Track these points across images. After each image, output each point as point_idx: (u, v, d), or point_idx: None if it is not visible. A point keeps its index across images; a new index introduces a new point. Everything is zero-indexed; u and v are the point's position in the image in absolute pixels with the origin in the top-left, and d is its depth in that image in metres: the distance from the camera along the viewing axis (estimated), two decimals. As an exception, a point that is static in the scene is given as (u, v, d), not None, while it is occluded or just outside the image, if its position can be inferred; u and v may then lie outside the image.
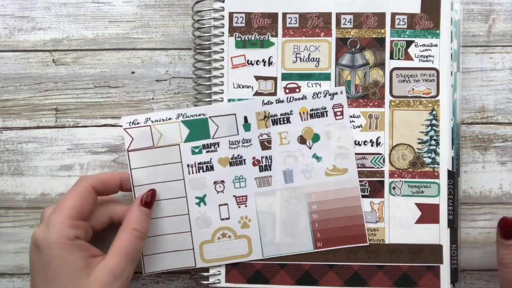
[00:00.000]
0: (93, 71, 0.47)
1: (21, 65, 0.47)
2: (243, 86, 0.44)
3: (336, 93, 0.43)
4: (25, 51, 0.47)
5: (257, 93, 0.44)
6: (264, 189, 0.44)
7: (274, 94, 0.44)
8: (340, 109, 0.43)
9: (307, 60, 0.44)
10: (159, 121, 0.43)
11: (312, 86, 0.44)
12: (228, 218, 0.44)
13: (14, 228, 0.47)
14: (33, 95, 0.47)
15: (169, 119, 0.43)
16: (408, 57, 0.44)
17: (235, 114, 0.43)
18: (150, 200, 0.42)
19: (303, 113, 0.44)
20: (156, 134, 0.43)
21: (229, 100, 0.44)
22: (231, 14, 0.44)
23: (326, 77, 0.44)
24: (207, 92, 0.45)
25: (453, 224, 0.43)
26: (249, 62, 0.44)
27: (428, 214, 0.43)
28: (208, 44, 0.45)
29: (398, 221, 0.43)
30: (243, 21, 0.44)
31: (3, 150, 0.47)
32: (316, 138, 0.44)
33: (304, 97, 0.43)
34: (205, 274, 0.44)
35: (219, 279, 0.44)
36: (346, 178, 0.43)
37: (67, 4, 0.47)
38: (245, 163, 0.44)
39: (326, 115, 0.44)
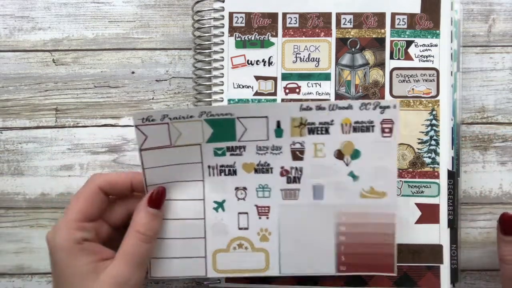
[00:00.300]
0: (93, 71, 0.47)
1: (21, 65, 0.47)
2: (243, 86, 0.44)
3: (388, 107, 0.38)
4: (25, 51, 0.47)
5: (257, 93, 0.44)
6: (290, 202, 0.40)
7: (274, 94, 0.44)
8: (390, 125, 0.38)
9: (307, 60, 0.44)
10: (179, 118, 0.38)
11: (312, 86, 0.44)
12: (246, 228, 0.40)
13: (14, 228, 0.47)
14: (33, 95, 0.47)
15: (191, 117, 0.38)
16: (408, 57, 0.44)
17: (267, 117, 0.38)
18: (158, 199, 0.38)
19: (346, 124, 0.39)
20: (174, 133, 0.38)
21: (229, 101, 0.44)
22: (231, 14, 0.44)
23: (326, 77, 0.44)
24: (207, 92, 0.45)
25: (453, 224, 0.43)
26: (249, 62, 0.44)
27: (428, 214, 0.43)
28: (208, 44, 0.45)
29: (398, 221, 0.43)
30: (243, 21, 0.44)
31: (3, 150, 0.47)
32: (356, 154, 0.39)
33: (349, 107, 0.38)
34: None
35: (219, 279, 0.44)
36: (383, 203, 0.39)
37: (67, 4, 0.47)
38: (272, 172, 0.40)
39: (372, 130, 0.39)
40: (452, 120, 0.44)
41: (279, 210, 0.40)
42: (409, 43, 0.44)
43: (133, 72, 0.47)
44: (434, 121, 0.43)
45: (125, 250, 0.37)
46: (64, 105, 0.47)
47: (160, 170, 0.39)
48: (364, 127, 0.39)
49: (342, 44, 0.44)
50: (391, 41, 0.44)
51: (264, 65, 0.44)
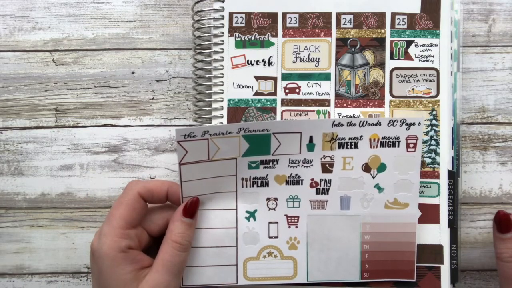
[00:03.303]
0: (93, 71, 0.47)
1: (21, 65, 0.47)
2: (243, 86, 0.44)
3: (414, 124, 0.41)
4: (25, 51, 0.47)
5: (257, 93, 0.44)
6: (318, 212, 0.42)
7: (274, 94, 0.44)
8: (414, 141, 0.41)
9: (307, 60, 0.44)
10: (218, 134, 0.39)
11: (312, 86, 0.44)
12: (276, 237, 0.42)
13: (14, 228, 0.47)
14: (33, 95, 0.47)
15: (229, 133, 0.39)
16: (408, 57, 0.44)
17: (301, 132, 0.40)
18: (192, 209, 0.39)
19: (374, 140, 0.41)
20: (213, 148, 0.39)
21: (229, 100, 0.44)
22: (231, 14, 0.44)
23: (326, 77, 0.44)
24: (207, 92, 0.45)
25: (453, 224, 0.43)
26: (249, 62, 0.44)
27: (428, 214, 0.43)
28: (208, 44, 0.45)
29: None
30: (243, 21, 0.44)
31: (3, 150, 0.47)
32: (382, 167, 0.42)
33: (378, 123, 0.41)
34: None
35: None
36: (405, 213, 0.42)
37: (67, 4, 0.47)
38: (302, 184, 0.42)
39: (398, 146, 0.41)
40: (452, 120, 0.44)
41: (308, 220, 0.42)
42: (409, 43, 0.44)
43: (133, 72, 0.47)
44: (434, 121, 0.43)
45: (162, 259, 0.38)
46: (64, 105, 0.47)
47: (196, 182, 0.40)
48: (390, 143, 0.41)
49: (342, 44, 0.44)
50: (391, 41, 0.44)
51: (264, 65, 0.44)
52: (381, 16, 0.44)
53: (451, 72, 0.44)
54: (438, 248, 0.43)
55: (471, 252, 0.45)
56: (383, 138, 0.41)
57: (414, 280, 0.42)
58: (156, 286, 0.37)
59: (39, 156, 0.47)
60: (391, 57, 0.44)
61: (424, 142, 0.43)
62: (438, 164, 0.43)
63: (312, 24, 0.44)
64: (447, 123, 0.43)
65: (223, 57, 0.44)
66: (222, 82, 0.44)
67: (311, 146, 0.41)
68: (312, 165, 0.41)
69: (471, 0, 0.46)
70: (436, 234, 0.43)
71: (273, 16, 0.44)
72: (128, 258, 0.37)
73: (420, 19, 0.44)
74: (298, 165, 0.41)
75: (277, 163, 0.41)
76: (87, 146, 0.47)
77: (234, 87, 0.44)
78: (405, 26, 0.44)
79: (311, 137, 0.41)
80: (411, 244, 0.42)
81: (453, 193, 0.43)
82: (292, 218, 0.42)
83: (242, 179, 0.41)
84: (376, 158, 0.41)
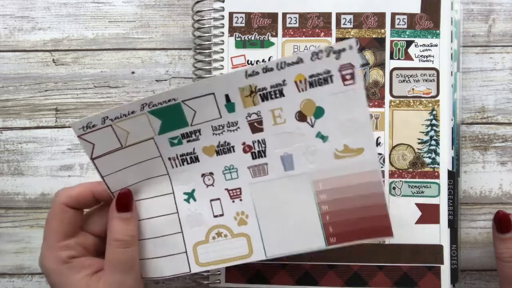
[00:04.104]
0: (93, 71, 0.47)
1: (21, 65, 0.47)
2: (243, 86, 0.44)
3: (344, 50, 0.32)
4: (25, 51, 0.47)
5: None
6: (260, 179, 0.37)
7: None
8: (350, 70, 0.33)
9: (307, 60, 0.44)
10: (121, 117, 0.35)
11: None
12: (222, 215, 0.38)
13: (14, 228, 0.47)
14: (33, 95, 0.47)
15: (132, 112, 0.35)
16: (408, 57, 0.44)
17: (213, 93, 0.35)
18: (126, 202, 0.37)
19: (300, 81, 0.34)
20: (121, 133, 0.36)
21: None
22: (231, 14, 0.44)
23: (326, 77, 0.44)
24: (207, 92, 0.45)
25: (453, 224, 0.43)
26: (249, 62, 0.44)
27: (428, 214, 0.43)
28: (208, 44, 0.45)
29: (398, 221, 0.43)
30: (243, 21, 0.44)
31: (3, 150, 0.47)
32: (319, 112, 0.35)
33: (299, 60, 0.33)
34: (205, 274, 0.44)
35: (219, 279, 0.44)
36: (362, 160, 0.35)
37: (67, 4, 0.47)
38: (234, 151, 0.37)
39: (331, 81, 0.33)
40: (452, 120, 0.44)
41: (251, 190, 0.37)
42: (409, 43, 0.44)
43: (133, 72, 0.47)
44: (434, 121, 0.43)
45: (110, 259, 0.37)
46: (64, 105, 0.47)
47: (120, 174, 0.37)
48: (321, 80, 0.34)
49: (342, 44, 0.44)
50: (391, 41, 0.44)
51: (264, 65, 0.44)
52: (381, 16, 0.44)
53: (451, 72, 0.44)
54: (438, 248, 0.43)
55: (471, 252, 0.45)
56: (310, 76, 0.34)
57: (393, 237, 0.36)
58: (111, 287, 0.36)
59: (39, 156, 0.47)
60: (391, 57, 0.44)
61: (424, 142, 0.43)
62: (438, 164, 0.43)
63: (312, 24, 0.44)
64: (447, 123, 0.43)
65: (223, 57, 0.44)
66: (222, 82, 0.44)
67: (230, 106, 0.35)
68: (238, 127, 0.36)
69: (471, 0, 0.46)
70: (436, 234, 0.43)
71: (273, 16, 0.44)
72: (75, 267, 0.37)
73: (420, 19, 0.44)
74: (224, 131, 0.36)
75: (200, 134, 0.37)
76: (87, 146, 0.47)
77: (234, 87, 0.44)
78: (405, 26, 0.44)
79: (227, 96, 0.35)
80: (378, 196, 0.35)
81: (453, 193, 0.43)
82: (234, 191, 0.37)
83: (169, 159, 0.37)
84: (309, 102, 0.35)
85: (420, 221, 0.43)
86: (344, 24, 0.44)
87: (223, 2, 0.44)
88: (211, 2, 0.45)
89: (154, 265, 0.39)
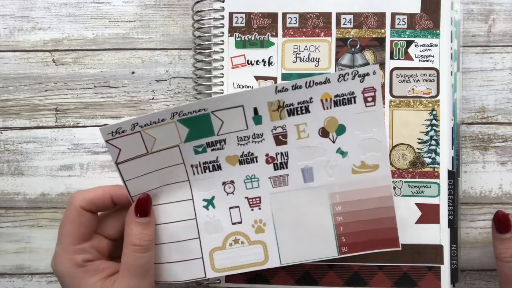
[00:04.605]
0: (93, 71, 0.47)
1: (21, 65, 0.47)
2: (243, 86, 0.44)
3: (368, 74, 0.36)
4: (25, 51, 0.47)
5: (257, 93, 0.44)
6: (280, 189, 0.39)
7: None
8: (372, 93, 0.36)
9: (307, 60, 0.44)
10: (150, 124, 0.36)
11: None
12: (240, 222, 0.39)
13: (14, 228, 0.47)
14: (33, 95, 0.47)
15: (162, 120, 0.36)
16: (408, 57, 0.44)
17: (242, 105, 0.37)
18: (145, 207, 0.37)
19: (326, 100, 0.37)
20: (149, 140, 0.36)
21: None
22: (231, 14, 0.44)
23: (326, 77, 0.44)
24: (207, 92, 0.45)
25: (453, 224, 0.43)
26: (249, 62, 0.44)
27: (428, 214, 0.43)
28: (208, 44, 0.45)
29: (398, 221, 0.43)
30: (243, 21, 0.44)
31: (3, 150, 0.47)
32: (341, 129, 0.37)
33: (327, 81, 0.36)
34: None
35: (219, 279, 0.44)
36: (376, 176, 0.38)
37: (67, 4, 0.47)
38: (257, 161, 0.38)
39: (354, 102, 0.37)
40: (452, 120, 0.44)
41: (271, 199, 0.39)
42: (409, 43, 0.44)
43: (133, 72, 0.47)
44: (434, 121, 0.43)
45: (126, 264, 0.36)
46: (64, 105, 0.47)
47: (142, 179, 0.38)
48: (345, 100, 0.37)
49: (342, 44, 0.44)
50: (391, 41, 0.44)
51: (264, 65, 0.44)
52: (381, 16, 0.44)
53: (451, 72, 0.44)
54: (438, 248, 0.43)
55: (471, 252, 0.45)
56: (336, 96, 0.37)
57: (399, 249, 0.39)
58: None
59: (39, 156, 0.47)
60: (391, 57, 0.44)
61: (424, 142, 0.43)
62: (438, 164, 0.43)
63: (312, 24, 0.44)
64: (447, 123, 0.43)
65: (223, 57, 0.44)
66: (222, 82, 0.44)
67: (257, 119, 0.37)
68: (263, 139, 0.38)
69: (471, 0, 0.46)
70: (436, 234, 0.43)
71: (273, 16, 0.44)
72: (89, 271, 0.37)
73: (420, 19, 0.44)
74: (249, 142, 0.38)
75: (225, 143, 0.38)
76: (87, 146, 0.47)
77: (234, 87, 0.44)
78: (405, 26, 0.44)
79: (255, 109, 0.37)
80: (389, 209, 0.38)
81: (453, 193, 0.43)
82: (254, 199, 0.39)
83: (192, 166, 0.38)
84: (332, 120, 0.37)
85: (420, 221, 0.43)
86: (344, 24, 0.44)
87: (223, 2, 0.44)
88: (211, 2, 0.45)
89: (169, 269, 0.39)
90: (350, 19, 0.44)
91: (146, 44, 0.47)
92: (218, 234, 0.39)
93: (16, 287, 0.47)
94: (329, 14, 0.44)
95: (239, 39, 0.44)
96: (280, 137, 0.38)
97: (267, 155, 0.38)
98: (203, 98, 0.45)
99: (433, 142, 0.43)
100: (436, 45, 0.43)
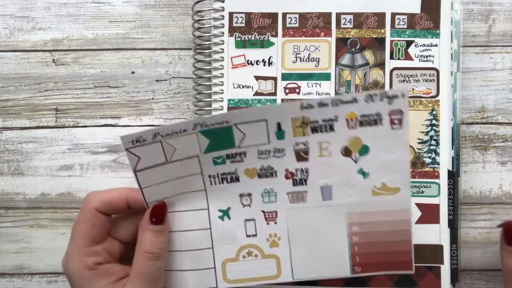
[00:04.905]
0: (93, 71, 0.47)
1: (21, 65, 0.47)
2: (243, 86, 0.44)
3: (396, 96, 0.35)
4: (25, 51, 0.47)
5: (257, 93, 0.44)
6: (298, 205, 0.38)
7: (274, 94, 0.44)
8: (399, 116, 0.35)
9: (307, 60, 0.44)
10: (172, 134, 0.35)
11: (312, 86, 0.44)
12: (255, 235, 0.39)
13: (14, 228, 0.47)
14: (33, 95, 0.47)
15: (184, 131, 0.35)
16: (408, 57, 0.44)
17: (266, 120, 0.36)
18: (160, 215, 0.37)
19: (351, 119, 0.36)
20: (169, 149, 0.36)
21: (229, 100, 0.44)
22: (231, 14, 0.44)
23: (326, 77, 0.44)
24: (207, 92, 0.45)
25: (453, 224, 0.43)
26: (249, 62, 0.44)
27: (428, 214, 0.43)
28: (208, 44, 0.45)
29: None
30: (243, 21, 0.44)
31: (3, 150, 0.47)
32: (364, 150, 0.37)
33: (354, 100, 0.35)
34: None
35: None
36: (396, 199, 0.37)
37: (67, 4, 0.47)
38: (276, 176, 0.38)
39: (381, 123, 0.36)
40: (452, 120, 0.44)
41: (287, 214, 0.38)
42: (409, 43, 0.44)
43: (133, 72, 0.47)
44: (434, 121, 0.43)
45: (137, 270, 0.36)
46: (64, 105, 0.47)
47: (159, 186, 0.37)
48: (371, 120, 0.36)
49: (342, 44, 0.44)
50: (391, 41, 0.44)
51: (264, 65, 0.44)
52: (381, 16, 0.44)
53: (451, 72, 0.44)
54: (438, 248, 0.43)
55: (471, 252, 0.45)
56: (362, 116, 0.36)
57: (413, 272, 0.39)
58: None
59: (39, 156, 0.47)
60: (391, 57, 0.44)
61: (424, 142, 0.43)
62: (438, 164, 0.43)
63: (312, 24, 0.44)
64: (447, 123, 0.43)
65: (223, 57, 0.44)
66: (222, 82, 0.44)
67: (280, 134, 0.37)
68: (284, 154, 0.37)
69: (471, 0, 0.46)
70: (436, 234, 0.43)
71: (273, 16, 0.44)
72: (100, 274, 0.36)
73: (420, 19, 0.44)
74: (269, 156, 0.37)
75: (245, 156, 0.37)
76: (87, 146, 0.47)
77: (234, 87, 0.44)
78: (405, 26, 0.44)
79: (279, 124, 0.36)
80: (405, 233, 0.38)
81: (453, 193, 0.43)
82: (270, 213, 0.39)
83: (209, 176, 0.38)
84: (356, 140, 0.36)
85: (420, 221, 0.43)
86: (344, 24, 0.44)
87: (223, 2, 0.44)
88: (211, 2, 0.45)
89: (180, 277, 0.39)
90: (350, 19, 0.44)
91: (146, 44, 0.47)
92: (232, 246, 0.39)
93: (16, 287, 0.47)
94: (329, 14, 0.44)
95: (239, 39, 0.44)
96: (301, 153, 0.37)
97: (286, 170, 0.38)
98: (203, 98, 0.45)
99: (433, 142, 0.43)
100: (436, 45, 0.43)
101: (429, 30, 0.44)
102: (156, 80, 0.47)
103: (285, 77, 0.44)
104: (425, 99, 0.43)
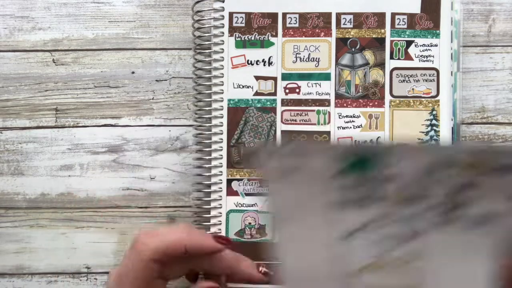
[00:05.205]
0: (93, 71, 0.47)
1: (21, 65, 0.47)
2: (243, 86, 0.44)
3: None
4: (25, 51, 0.47)
5: (257, 93, 0.44)
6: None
7: (274, 94, 0.44)
8: None
9: (307, 60, 0.44)
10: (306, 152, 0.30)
11: (312, 86, 0.44)
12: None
13: (14, 228, 0.47)
14: (33, 95, 0.47)
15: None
16: (408, 57, 0.44)
17: None
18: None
19: None
20: (297, 166, 0.30)
21: (229, 100, 0.44)
22: (231, 14, 0.44)
23: (326, 77, 0.44)
24: (207, 92, 0.45)
25: (453, 224, 0.43)
26: (249, 62, 0.44)
27: (428, 214, 0.43)
28: (208, 44, 0.45)
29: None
30: (243, 21, 0.44)
31: (3, 150, 0.47)
32: None
33: None
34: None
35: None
36: None
37: (67, 4, 0.47)
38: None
39: None
40: (452, 120, 0.44)
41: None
42: (409, 43, 0.44)
43: (133, 72, 0.47)
44: (434, 121, 0.43)
45: None
46: (64, 105, 0.47)
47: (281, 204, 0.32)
48: None
49: (342, 44, 0.44)
50: (391, 41, 0.44)
51: (264, 65, 0.44)
52: (381, 16, 0.44)
53: (451, 72, 0.44)
54: (438, 248, 0.43)
55: (471, 252, 0.45)
56: None
57: None
58: None
59: (39, 156, 0.47)
60: (391, 57, 0.44)
61: (424, 142, 0.43)
62: (438, 164, 0.43)
63: (312, 24, 0.44)
64: (447, 123, 0.43)
65: (223, 57, 0.44)
66: (222, 82, 0.44)
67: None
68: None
69: (471, 0, 0.46)
70: (436, 234, 0.43)
71: (273, 16, 0.44)
72: None
73: (420, 19, 0.44)
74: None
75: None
76: (87, 146, 0.47)
77: (234, 87, 0.44)
78: (405, 26, 0.44)
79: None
80: None
81: (453, 193, 0.43)
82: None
83: (334, 200, 0.33)
84: None
85: (420, 221, 0.43)
86: (344, 24, 0.44)
87: (223, 2, 0.44)
88: (211, 2, 0.45)
89: None
90: (350, 19, 0.44)
91: (146, 44, 0.47)
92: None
93: (16, 287, 0.47)
94: (329, 14, 0.44)
95: (239, 39, 0.44)
96: None
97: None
98: (203, 98, 0.45)
99: (433, 142, 0.43)
100: (436, 45, 0.43)
101: (429, 30, 0.44)
102: (156, 80, 0.47)
103: (285, 77, 0.44)
104: (425, 99, 0.43)
